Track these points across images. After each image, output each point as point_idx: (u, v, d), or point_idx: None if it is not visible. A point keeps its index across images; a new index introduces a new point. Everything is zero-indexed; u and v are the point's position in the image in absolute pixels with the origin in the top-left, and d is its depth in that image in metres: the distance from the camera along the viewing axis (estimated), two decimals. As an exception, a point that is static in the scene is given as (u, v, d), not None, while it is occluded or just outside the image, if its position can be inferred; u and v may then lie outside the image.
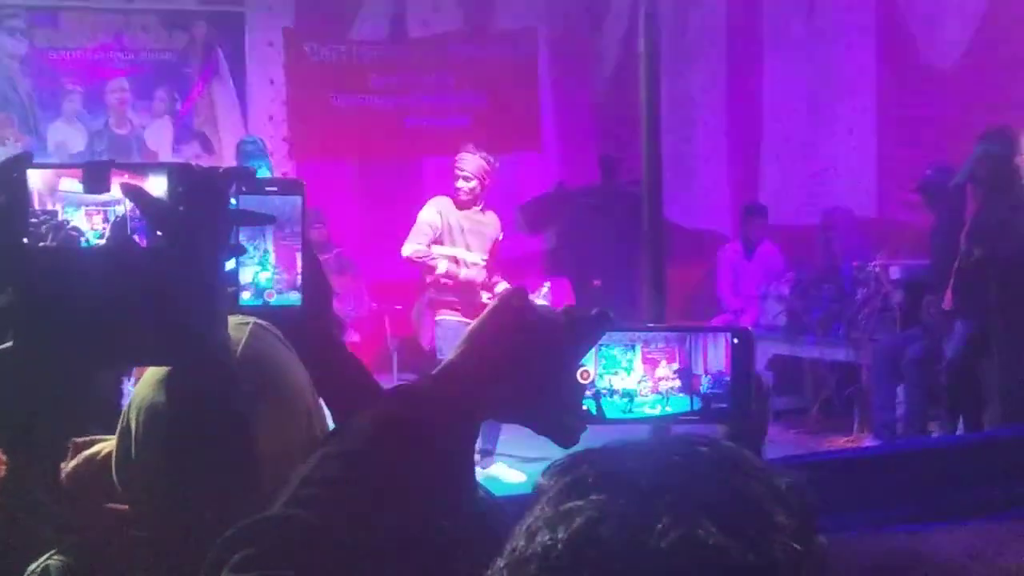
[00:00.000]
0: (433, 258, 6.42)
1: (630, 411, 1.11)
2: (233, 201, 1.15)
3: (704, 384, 1.12)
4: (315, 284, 1.23)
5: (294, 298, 1.19)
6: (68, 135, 9.03)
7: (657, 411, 1.12)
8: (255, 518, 0.92)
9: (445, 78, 10.00)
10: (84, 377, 1.30)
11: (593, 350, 1.09)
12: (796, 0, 9.11)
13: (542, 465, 0.82)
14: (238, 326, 1.27)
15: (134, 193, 1.10)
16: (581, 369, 1.09)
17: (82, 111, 9.10)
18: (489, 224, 6.62)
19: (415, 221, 6.54)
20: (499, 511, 1.15)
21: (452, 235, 6.48)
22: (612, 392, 1.11)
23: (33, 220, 1.11)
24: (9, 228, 1.10)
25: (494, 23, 10.13)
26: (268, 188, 1.18)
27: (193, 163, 1.21)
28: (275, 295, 1.19)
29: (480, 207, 6.57)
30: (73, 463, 1.36)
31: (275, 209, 1.18)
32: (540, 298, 6.16)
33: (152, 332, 1.09)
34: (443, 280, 6.45)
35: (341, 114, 9.66)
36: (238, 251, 1.16)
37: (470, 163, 6.45)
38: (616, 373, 1.11)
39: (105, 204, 1.13)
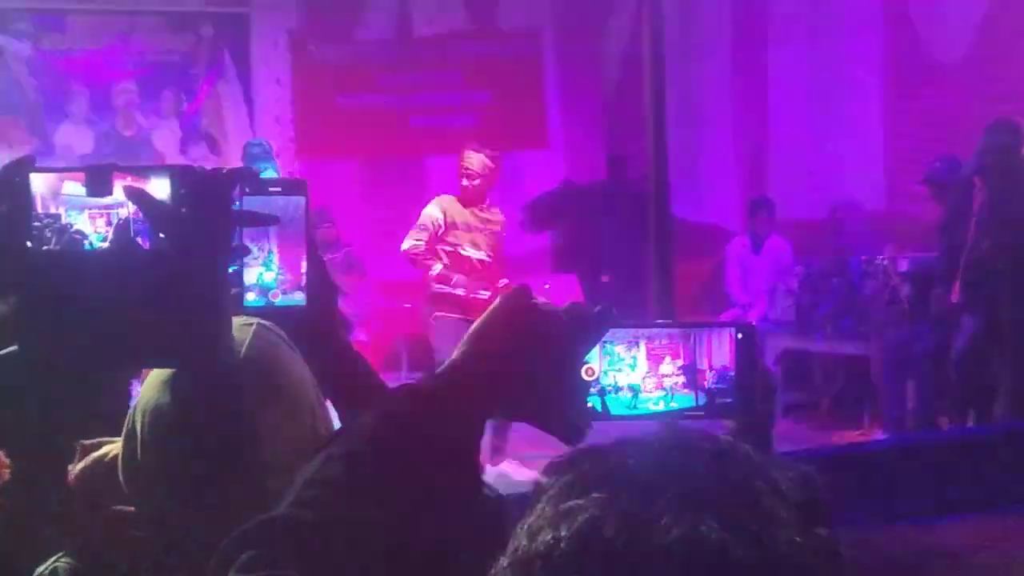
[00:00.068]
0: (428, 258, 6.40)
1: (635, 408, 1.11)
2: (236, 203, 1.15)
3: (709, 380, 1.12)
4: (320, 284, 1.23)
5: (299, 298, 1.19)
6: (75, 137, 9.04)
7: (662, 407, 1.12)
8: (261, 519, 0.92)
9: (451, 77, 9.98)
10: (89, 380, 1.30)
11: (597, 347, 1.09)
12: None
13: (553, 463, 0.82)
14: (242, 327, 1.27)
15: (137, 196, 1.11)
16: (585, 366, 1.09)
17: (89, 113, 9.12)
18: (495, 221, 6.61)
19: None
20: (505, 510, 1.15)
21: (458, 232, 6.47)
22: (617, 389, 1.11)
23: (36, 224, 1.11)
24: (12, 232, 1.10)
25: (499, 21, 10.12)
26: (272, 188, 1.18)
27: (198, 165, 1.21)
28: (280, 295, 1.19)
29: (486, 204, 6.56)
30: (81, 465, 1.36)
31: (279, 209, 1.17)
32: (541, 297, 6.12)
33: (156, 334, 1.09)
34: (436, 287, 6.40)
35: (347, 114, 9.65)
36: (242, 252, 1.16)
37: (474, 160, 6.44)
38: (620, 370, 1.11)
39: (108, 207, 1.13)
